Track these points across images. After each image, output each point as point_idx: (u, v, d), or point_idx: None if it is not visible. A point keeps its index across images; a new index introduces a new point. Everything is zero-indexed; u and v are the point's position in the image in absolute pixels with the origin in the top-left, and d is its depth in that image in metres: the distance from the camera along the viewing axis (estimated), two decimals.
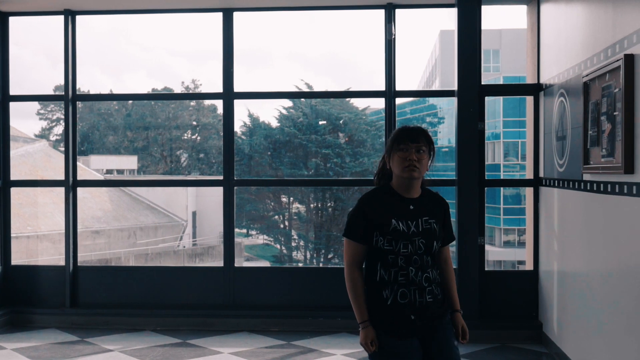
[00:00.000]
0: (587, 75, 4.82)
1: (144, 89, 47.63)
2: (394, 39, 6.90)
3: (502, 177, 34.28)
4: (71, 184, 7.21)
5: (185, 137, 32.76)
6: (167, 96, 29.93)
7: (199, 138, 32.66)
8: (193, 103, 32.99)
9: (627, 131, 4.06)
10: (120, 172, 31.03)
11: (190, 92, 37.74)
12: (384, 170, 3.35)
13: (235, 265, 7.17)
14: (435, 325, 3.24)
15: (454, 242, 3.75)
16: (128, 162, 31.23)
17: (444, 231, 3.36)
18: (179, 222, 26.45)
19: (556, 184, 5.88)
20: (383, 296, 3.22)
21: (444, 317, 3.29)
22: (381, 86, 7.00)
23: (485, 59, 39.99)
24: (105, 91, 42.01)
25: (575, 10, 5.38)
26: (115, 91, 40.01)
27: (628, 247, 4.16)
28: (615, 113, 4.27)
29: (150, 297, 7.14)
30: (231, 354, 6.05)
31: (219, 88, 7.18)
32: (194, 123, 32.68)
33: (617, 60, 4.18)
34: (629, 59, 4.06)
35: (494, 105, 35.16)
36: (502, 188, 34.17)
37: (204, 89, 38.76)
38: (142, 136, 31.84)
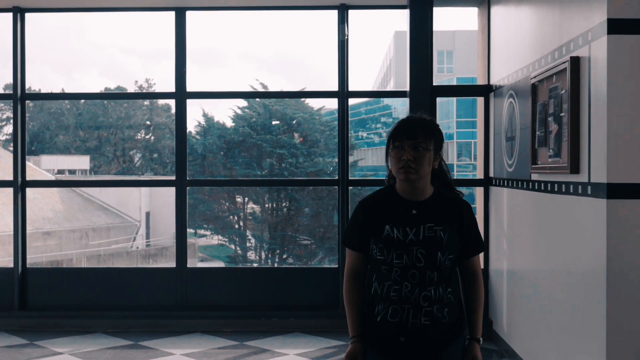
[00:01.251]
0: (535, 77, 4.90)
1: (97, 88, 47.06)
2: (347, 39, 6.94)
3: (455, 177, 34.71)
4: (20, 185, 7.08)
5: (139, 137, 32.43)
6: (119, 95, 29.62)
7: (152, 138, 32.36)
8: (147, 102, 32.68)
9: (572, 132, 4.14)
10: (72, 172, 30.59)
11: (144, 91, 37.36)
12: None
13: (189, 266, 7.13)
14: (433, 353, 2.79)
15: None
16: (80, 162, 30.80)
17: (464, 240, 2.85)
18: (132, 223, 26.18)
19: (505, 184, 5.98)
20: (374, 311, 2.82)
21: (451, 346, 2.81)
22: (335, 86, 7.03)
23: (439, 60, 40.57)
24: (57, 90, 41.35)
25: (524, 13, 5.47)
26: (67, 90, 39.45)
27: (574, 246, 4.25)
28: (561, 114, 4.36)
29: (101, 299, 7.05)
30: (183, 355, 6.01)
31: (173, 87, 7.13)
32: (148, 123, 32.37)
33: (564, 63, 4.27)
34: (575, 61, 4.14)
35: (447, 106, 35.56)
36: (455, 188, 34.54)
37: (158, 88, 38.42)
38: (94, 136, 31.42)
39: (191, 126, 25.89)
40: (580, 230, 4.12)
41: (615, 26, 3.72)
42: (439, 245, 2.76)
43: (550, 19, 4.73)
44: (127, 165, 31.50)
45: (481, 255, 6.75)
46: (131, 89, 37.56)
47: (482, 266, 6.75)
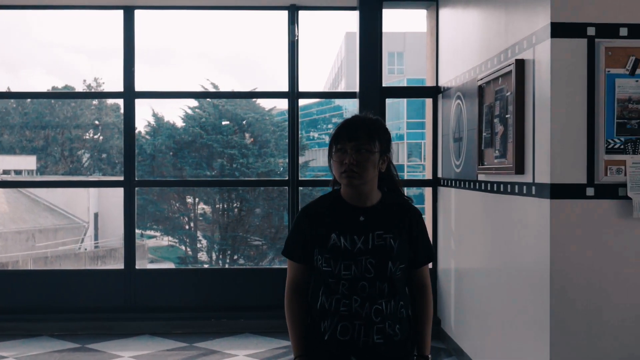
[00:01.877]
0: (481, 79, 4.98)
1: (44, 87, 46.23)
2: (297, 40, 6.95)
3: (405, 178, 34.97)
4: None
5: (87, 137, 31.92)
6: (66, 95, 29.13)
7: (101, 138, 31.88)
8: (95, 102, 32.18)
9: (517, 133, 4.22)
10: (18, 172, 29.96)
11: (92, 90, 36.78)
12: None
13: (137, 267, 7.05)
14: None
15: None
16: (26, 162, 30.18)
17: (413, 248, 2.68)
18: (80, 224, 25.78)
19: (453, 184, 6.05)
20: (321, 329, 2.62)
21: None
22: (286, 87, 7.04)
23: (389, 62, 40.81)
24: (2, 88, 40.48)
25: (471, 16, 5.55)
26: (13, 89, 38.62)
27: (518, 245, 4.33)
28: (507, 116, 4.43)
29: (47, 301, 6.93)
30: (131, 358, 5.95)
31: (122, 87, 7.05)
32: (97, 122, 31.88)
33: (509, 65, 4.34)
34: (520, 63, 4.22)
35: (397, 107, 35.82)
36: (405, 188, 34.83)
37: (107, 87, 37.79)
38: (40, 135, 30.85)
39: (141, 126, 25.61)
40: (525, 229, 4.20)
41: (559, 30, 3.80)
42: (390, 254, 2.59)
43: (497, 22, 4.81)
44: (75, 166, 30.98)
45: None
46: (79, 88, 36.89)
47: (430, 266, 6.80)
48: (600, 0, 3.81)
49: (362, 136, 2.58)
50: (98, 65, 53.35)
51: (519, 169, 4.22)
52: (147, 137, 24.35)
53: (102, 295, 6.94)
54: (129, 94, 7.01)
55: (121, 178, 7.08)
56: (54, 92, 29.62)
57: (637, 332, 3.83)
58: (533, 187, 4.06)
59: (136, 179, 7.03)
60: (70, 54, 55.83)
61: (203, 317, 6.84)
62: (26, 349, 6.21)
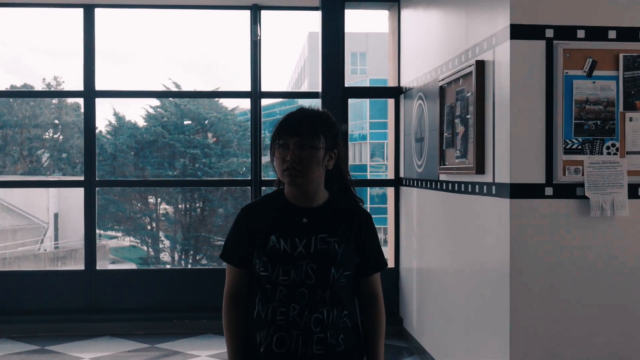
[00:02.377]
0: (442, 80, 5.02)
1: (2, 85, 45.48)
2: (260, 40, 6.94)
3: (368, 177, 35.09)
4: None
5: (47, 136, 31.48)
6: (25, 94, 28.67)
7: (61, 137, 31.46)
8: (55, 101, 31.75)
9: (478, 133, 4.27)
10: None
11: (52, 89, 36.29)
12: None
13: (98, 268, 6.98)
14: None
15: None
16: None
17: (361, 255, 2.47)
18: (40, 225, 25.42)
19: (415, 184, 6.10)
20: (257, 340, 2.41)
21: None
22: (248, 87, 7.03)
23: (352, 62, 40.97)
24: None
25: (433, 16, 5.60)
26: None
27: (478, 245, 4.38)
28: (468, 116, 4.48)
29: (7, 303, 6.82)
30: (91, 359, 5.90)
31: (82, 86, 6.98)
32: (56, 122, 31.45)
33: (470, 66, 4.39)
34: (480, 64, 4.27)
35: (360, 107, 35.94)
36: (368, 188, 35.02)
37: (67, 86, 37.34)
38: None
39: (102, 125, 25.33)
40: (486, 228, 4.25)
41: (518, 31, 3.85)
42: (333, 259, 2.38)
43: (457, 23, 4.86)
44: (34, 166, 30.53)
45: (392, 259, 6.86)
46: (39, 86, 36.37)
47: (392, 265, 6.84)
48: (559, 3, 3.88)
49: (305, 131, 2.37)
50: (58, 64, 52.69)
51: (480, 169, 4.27)
52: (108, 136, 24.10)
53: (62, 297, 6.85)
54: (90, 93, 6.94)
55: (81, 178, 7.00)
56: (12, 90, 29.17)
57: (596, 330, 3.90)
58: (493, 187, 4.11)
59: (97, 179, 6.97)
60: (30, 53, 54.98)
61: (165, 317, 6.79)
62: None
